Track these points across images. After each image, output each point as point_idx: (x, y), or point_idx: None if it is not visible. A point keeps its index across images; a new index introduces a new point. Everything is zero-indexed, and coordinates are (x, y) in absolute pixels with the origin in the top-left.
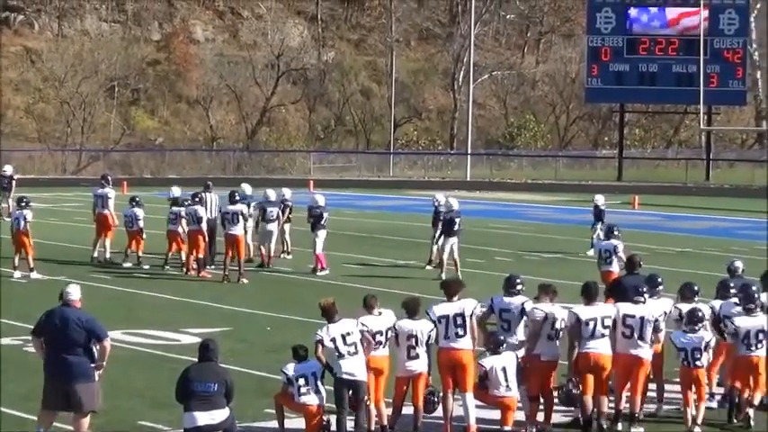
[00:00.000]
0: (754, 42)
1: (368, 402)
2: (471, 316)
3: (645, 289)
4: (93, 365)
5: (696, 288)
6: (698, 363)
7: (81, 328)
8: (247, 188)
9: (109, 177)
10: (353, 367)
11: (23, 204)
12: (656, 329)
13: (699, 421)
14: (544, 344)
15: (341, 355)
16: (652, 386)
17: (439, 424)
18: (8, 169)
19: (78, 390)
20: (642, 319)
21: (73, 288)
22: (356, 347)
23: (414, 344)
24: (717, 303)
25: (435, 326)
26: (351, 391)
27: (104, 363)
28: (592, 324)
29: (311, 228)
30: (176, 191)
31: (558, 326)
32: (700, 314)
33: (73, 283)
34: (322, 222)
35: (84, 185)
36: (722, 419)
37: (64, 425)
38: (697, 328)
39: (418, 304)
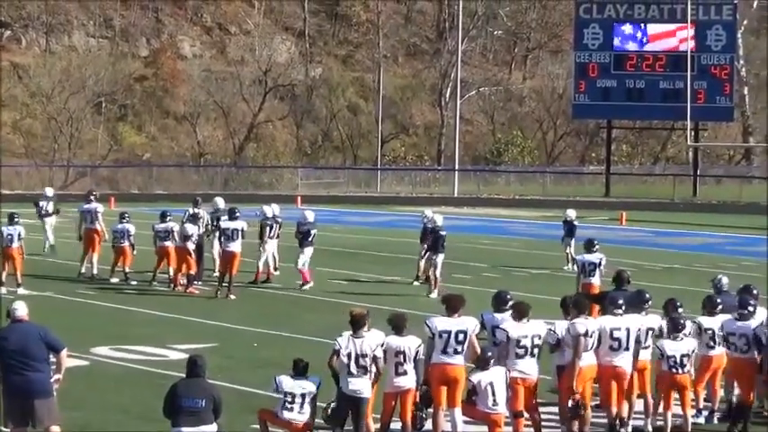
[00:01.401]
0: (741, 58)
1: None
2: (473, 333)
3: (621, 302)
4: (52, 379)
5: (678, 303)
6: (685, 369)
7: (42, 342)
8: (220, 202)
9: (95, 193)
10: (360, 385)
11: (15, 221)
12: (637, 341)
13: (688, 429)
14: (525, 361)
15: (350, 373)
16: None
17: None
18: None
19: (37, 406)
20: (628, 330)
21: (19, 304)
22: (366, 369)
23: (402, 360)
24: (704, 320)
25: (433, 339)
26: (352, 410)
27: (61, 375)
28: (592, 336)
29: (299, 243)
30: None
31: (538, 342)
32: (682, 322)
33: (21, 299)
34: (309, 239)
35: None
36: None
37: None
38: (681, 336)
39: (404, 320)
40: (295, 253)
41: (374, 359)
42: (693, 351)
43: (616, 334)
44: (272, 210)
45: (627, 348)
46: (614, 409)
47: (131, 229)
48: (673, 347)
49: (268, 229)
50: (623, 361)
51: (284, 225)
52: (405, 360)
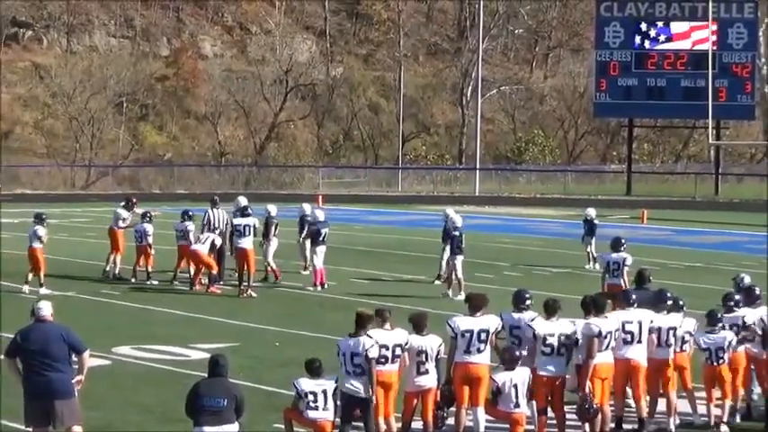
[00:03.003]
0: (763, 56)
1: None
2: (495, 333)
3: (633, 297)
4: (74, 380)
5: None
6: (721, 361)
7: (64, 343)
8: (243, 200)
9: (134, 200)
10: (359, 384)
11: (38, 220)
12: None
13: (725, 419)
14: (552, 359)
15: (347, 372)
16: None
17: None
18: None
19: (58, 406)
20: (640, 323)
21: (44, 304)
22: (362, 368)
23: (423, 359)
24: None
25: (456, 339)
26: (359, 409)
27: (83, 376)
28: (608, 336)
29: (310, 243)
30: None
31: (564, 341)
32: (719, 315)
33: (46, 299)
34: (321, 238)
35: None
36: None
37: None
38: (717, 329)
39: (425, 319)
40: (299, 251)
41: (366, 359)
42: (730, 343)
43: (628, 327)
44: (275, 208)
45: (639, 341)
46: (628, 401)
47: (149, 229)
48: (709, 340)
49: (273, 227)
50: (637, 353)
51: (288, 224)
52: (426, 359)
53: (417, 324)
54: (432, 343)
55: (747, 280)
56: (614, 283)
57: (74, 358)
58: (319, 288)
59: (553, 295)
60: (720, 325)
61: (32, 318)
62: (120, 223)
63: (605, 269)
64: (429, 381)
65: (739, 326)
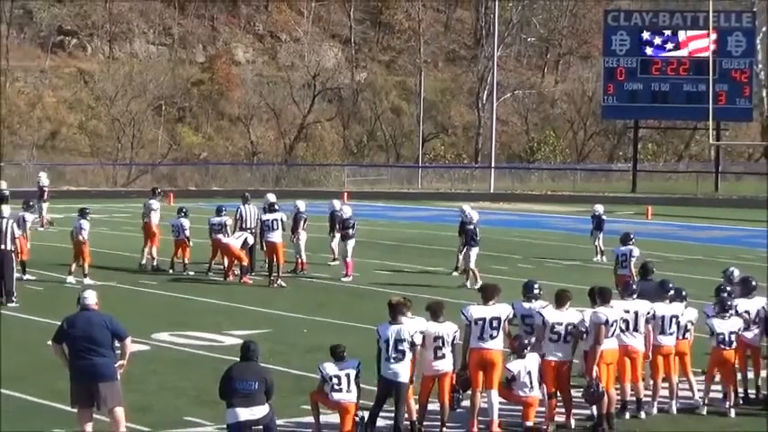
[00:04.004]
0: (760, 63)
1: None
2: (506, 320)
3: (633, 287)
4: (116, 364)
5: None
6: (733, 345)
7: (107, 329)
8: (271, 197)
9: (159, 190)
10: (398, 369)
11: (82, 215)
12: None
13: (732, 403)
14: (559, 345)
15: (388, 359)
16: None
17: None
18: (42, 177)
19: (102, 389)
20: (637, 313)
21: (89, 293)
22: (404, 354)
23: (440, 345)
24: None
25: (470, 326)
26: (394, 391)
27: (125, 361)
28: (614, 324)
29: (341, 237)
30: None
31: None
32: (729, 303)
33: (91, 288)
34: (352, 232)
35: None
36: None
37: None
38: (727, 315)
39: (442, 307)
40: (329, 245)
41: (412, 344)
42: (740, 329)
43: (625, 316)
44: (304, 204)
45: (636, 330)
46: (628, 386)
47: (186, 223)
48: (721, 325)
49: (302, 222)
50: (634, 340)
51: (315, 219)
52: (443, 344)
53: (434, 312)
54: (448, 329)
55: (737, 273)
56: (623, 273)
57: (116, 344)
58: (350, 278)
59: (563, 286)
60: (731, 312)
61: (78, 306)
62: (153, 214)
63: (616, 261)
64: (445, 365)
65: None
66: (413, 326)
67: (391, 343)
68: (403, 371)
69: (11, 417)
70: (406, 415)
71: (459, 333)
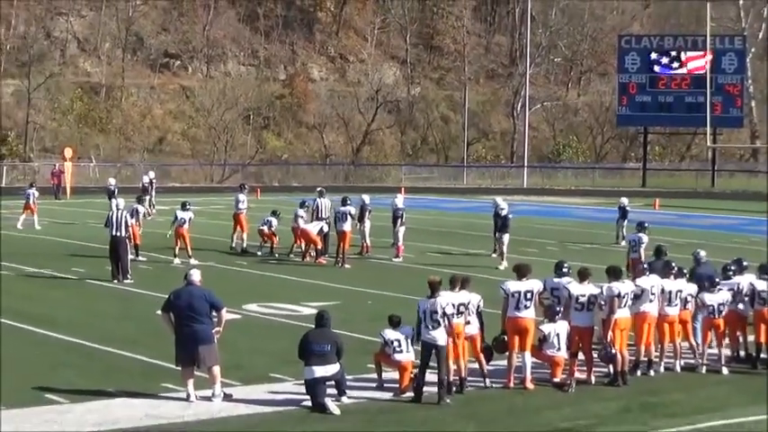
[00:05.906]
0: (750, 78)
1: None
2: (538, 293)
3: (645, 266)
4: (213, 330)
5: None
6: (720, 314)
7: (206, 301)
8: (366, 198)
9: (246, 186)
10: (435, 335)
11: (184, 207)
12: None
13: (723, 362)
14: (582, 314)
15: (426, 327)
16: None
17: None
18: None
19: (201, 351)
20: (652, 287)
21: (195, 271)
22: (439, 322)
23: (466, 312)
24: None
25: (507, 299)
26: (434, 351)
27: (221, 328)
28: (625, 297)
29: (393, 224)
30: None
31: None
32: (717, 279)
33: (196, 267)
34: (402, 220)
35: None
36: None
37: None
38: (716, 290)
39: (460, 281)
40: (390, 232)
41: (444, 314)
42: (727, 301)
43: (644, 287)
44: (368, 198)
45: (651, 300)
46: (642, 348)
47: (274, 222)
48: (710, 298)
49: (367, 212)
50: (650, 308)
51: (378, 210)
52: (468, 312)
53: (453, 283)
54: (472, 299)
55: (703, 254)
56: (634, 257)
57: (214, 314)
58: (401, 259)
59: (585, 264)
60: (719, 288)
61: (185, 281)
62: (240, 205)
63: (630, 246)
64: (472, 329)
65: (734, 290)
66: (447, 299)
67: (428, 314)
68: (440, 336)
69: (127, 373)
70: (455, 374)
71: (482, 302)
